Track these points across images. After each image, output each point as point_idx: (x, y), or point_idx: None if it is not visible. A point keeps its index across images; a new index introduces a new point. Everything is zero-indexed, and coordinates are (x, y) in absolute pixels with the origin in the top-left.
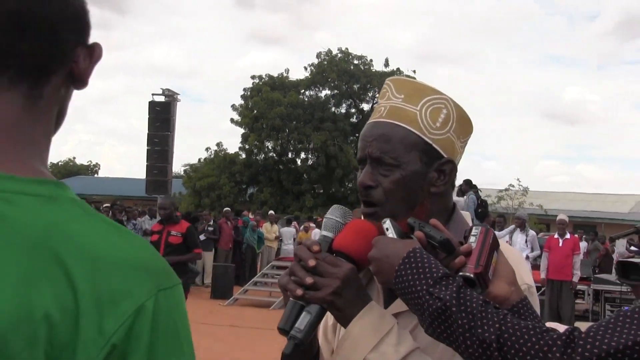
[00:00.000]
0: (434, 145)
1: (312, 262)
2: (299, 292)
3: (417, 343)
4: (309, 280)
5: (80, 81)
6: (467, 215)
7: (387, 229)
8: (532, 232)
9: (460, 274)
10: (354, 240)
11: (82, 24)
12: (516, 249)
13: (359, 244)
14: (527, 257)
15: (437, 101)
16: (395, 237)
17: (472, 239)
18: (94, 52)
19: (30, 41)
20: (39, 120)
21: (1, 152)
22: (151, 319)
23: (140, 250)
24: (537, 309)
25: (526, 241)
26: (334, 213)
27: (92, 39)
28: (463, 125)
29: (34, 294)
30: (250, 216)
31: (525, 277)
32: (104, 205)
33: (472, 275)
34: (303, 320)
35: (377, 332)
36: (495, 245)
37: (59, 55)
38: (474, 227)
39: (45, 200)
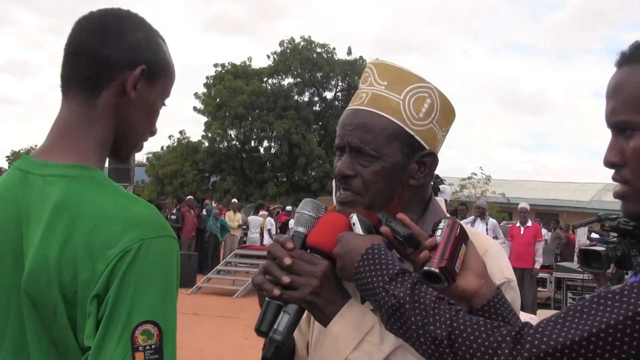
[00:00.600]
0: (416, 136)
1: (288, 261)
2: (277, 292)
3: (399, 340)
4: (286, 279)
5: (127, 95)
6: (442, 202)
7: (353, 224)
8: (492, 221)
9: (425, 268)
10: (329, 235)
11: (133, 54)
12: (497, 242)
13: (334, 240)
14: None
15: (421, 90)
16: (361, 232)
17: (438, 232)
18: (134, 72)
19: (86, 68)
20: (92, 123)
21: (58, 144)
22: (131, 259)
23: (133, 209)
24: (518, 304)
25: (487, 230)
26: (305, 207)
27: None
28: (446, 115)
29: (50, 247)
30: (214, 204)
31: (506, 271)
32: None
33: (436, 270)
34: (282, 322)
35: (358, 331)
36: (462, 238)
37: (108, 77)
38: (442, 221)
39: (70, 180)
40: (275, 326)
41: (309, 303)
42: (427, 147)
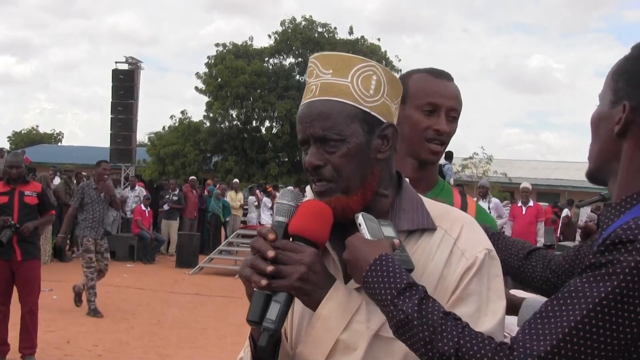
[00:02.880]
0: (372, 112)
1: (271, 254)
2: (264, 282)
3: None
4: (271, 269)
5: None
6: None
7: (359, 225)
8: (495, 200)
9: None
10: (310, 222)
11: None
12: (468, 214)
13: (315, 226)
14: None
15: (366, 69)
16: (367, 234)
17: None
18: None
19: None
20: None
21: None
22: None
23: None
24: (500, 272)
25: (489, 209)
26: (284, 197)
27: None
28: (394, 88)
29: None
30: (219, 184)
31: (485, 242)
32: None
33: None
34: (273, 310)
35: (346, 312)
36: None
37: None
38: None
39: None
40: (267, 315)
41: (298, 290)
42: (385, 121)
